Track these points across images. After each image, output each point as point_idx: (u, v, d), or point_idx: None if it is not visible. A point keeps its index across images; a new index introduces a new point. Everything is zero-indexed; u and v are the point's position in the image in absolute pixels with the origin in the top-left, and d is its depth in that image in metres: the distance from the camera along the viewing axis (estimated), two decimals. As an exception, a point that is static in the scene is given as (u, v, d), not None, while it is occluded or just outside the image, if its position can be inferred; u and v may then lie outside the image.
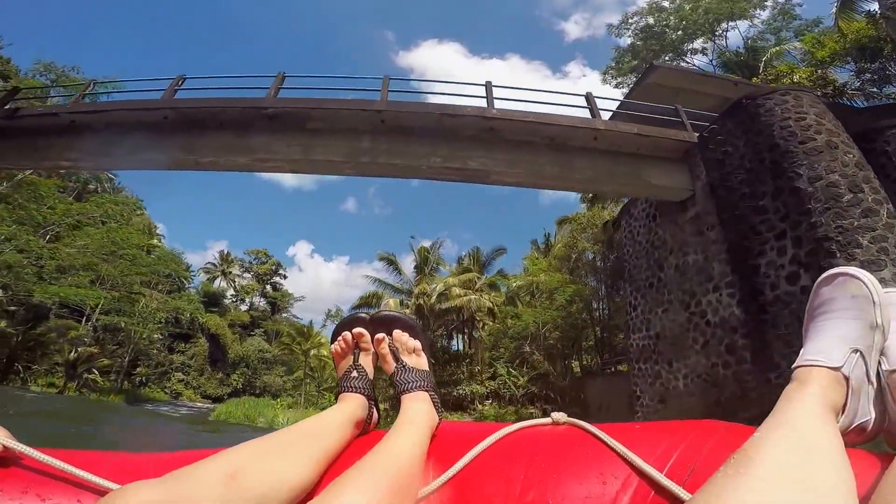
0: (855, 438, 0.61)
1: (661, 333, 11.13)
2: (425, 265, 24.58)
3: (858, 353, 0.60)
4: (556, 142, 9.57)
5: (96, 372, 31.89)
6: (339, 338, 0.98)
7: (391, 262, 25.17)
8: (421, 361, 0.95)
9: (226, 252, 65.82)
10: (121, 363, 40.01)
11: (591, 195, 29.13)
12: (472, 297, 24.06)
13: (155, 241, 50.91)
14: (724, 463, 0.47)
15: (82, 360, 29.74)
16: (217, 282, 63.07)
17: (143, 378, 45.70)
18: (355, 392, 0.89)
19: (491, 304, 25.85)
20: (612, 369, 20.89)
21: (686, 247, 10.43)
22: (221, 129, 9.19)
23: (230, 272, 64.01)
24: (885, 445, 0.61)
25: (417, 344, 0.96)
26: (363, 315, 1.00)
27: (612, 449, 0.63)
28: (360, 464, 0.64)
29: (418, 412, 0.82)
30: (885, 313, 0.62)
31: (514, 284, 27.49)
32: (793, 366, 0.63)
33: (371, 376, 0.94)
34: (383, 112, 8.95)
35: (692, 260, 10.18)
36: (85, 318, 34.71)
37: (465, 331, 28.46)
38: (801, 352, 0.64)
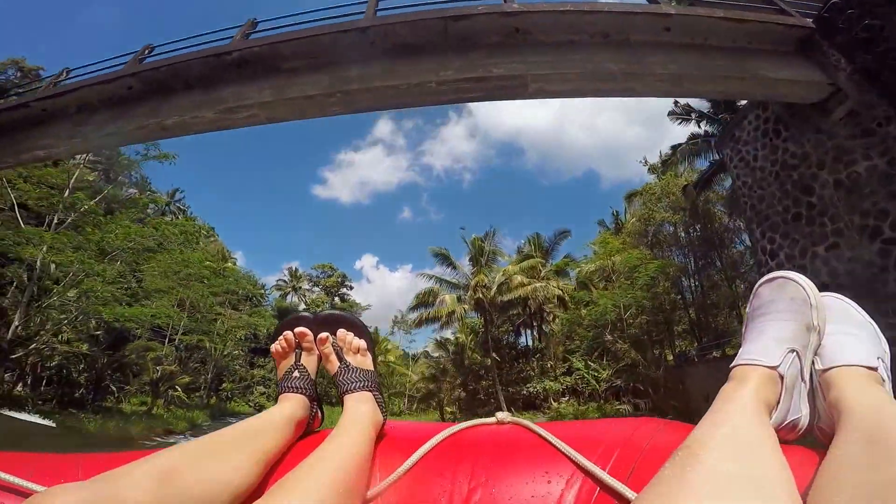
0: (786, 435, 0.62)
1: (827, 283, 8.03)
2: (481, 256, 22.17)
3: (794, 353, 0.62)
4: (614, 38, 6.98)
5: (179, 389, 32.61)
6: (281, 337, 0.93)
7: (445, 258, 23.01)
8: (366, 361, 0.91)
9: (294, 268, 67.39)
10: (204, 379, 41.29)
11: (660, 161, 25.39)
12: (538, 285, 21.36)
13: (229, 264, 53.62)
14: (667, 460, 0.47)
15: (164, 379, 30.44)
16: (289, 297, 64.67)
17: (229, 393, 47.18)
18: (296, 392, 0.85)
19: (560, 292, 22.97)
20: (720, 353, 17.41)
21: (849, 154, 7.55)
22: (189, 89, 8.02)
23: (300, 287, 65.45)
24: (817, 442, 0.61)
25: (362, 343, 0.92)
26: (306, 315, 0.96)
27: (556, 448, 0.63)
28: (303, 465, 0.62)
29: (361, 413, 0.79)
30: (821, 315, 0.64)
31: (586, 269, 24.43)
32: (731, 365, 0.63)
33: (314, 377, 0.90)
34: (370, 30, 6.84)
35: (866, 169, 7.28)
36: (167, 339, 35.96)
37: (534, 324, 25.73)
38: (740, 351, 0.65)
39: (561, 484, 0.59)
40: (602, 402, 20.15)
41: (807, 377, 0.64)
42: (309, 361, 0.91)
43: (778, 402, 0.60)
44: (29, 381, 22.98)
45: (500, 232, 24.55)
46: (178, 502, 0.54)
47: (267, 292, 61.56)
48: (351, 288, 69.55)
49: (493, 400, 22.03)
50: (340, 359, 0.89)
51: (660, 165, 25.16)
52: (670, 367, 18.99)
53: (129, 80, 8.11)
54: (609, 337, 19.15)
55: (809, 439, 0.63)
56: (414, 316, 23.37)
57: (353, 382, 0.86)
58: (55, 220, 20.07)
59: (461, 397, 25.33)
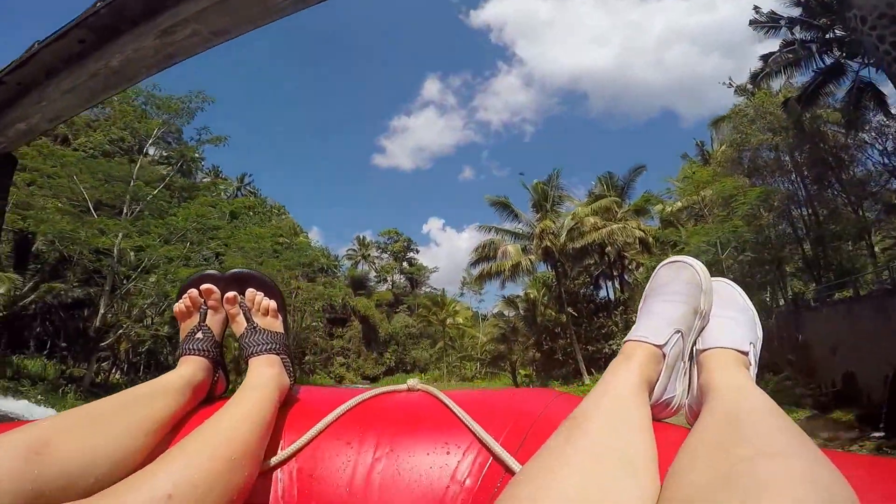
0: (660, 412, 0.65)
1: None
2: (545, 201, 19.77)
3: (679, 334, 0.65)
4: None
5: None
6: (185, 296, 0.87)
7: (504, 206, 20.81)
8: (276, 323, 0.87)
9: (362, 237, 68.28)
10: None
11: (750, 78, 21.09)
12: (615, 227, 18.75)
13: (301, 238, 55.62)
14: (554, 432, 0.51)
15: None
16: (360, 266, 65.82)
17: (311, 365, 48.54)
18: (198, 354, 0.80)
19: (642, 234, 20.23)
20: (848, 293, 14.31)
21: None
22: (135, 25, 7.29)
23: (368, 255, 66.32)
24: (685, 421, 0.64)
25: (272, 304, 0.87)
26: (213, 272, 0.90)
27: (458, 417, 0.65)
28: (196, 431, 0.60)
29: (265, 376, 0.75)
30: (709, 300, 0.69)
31: (670, 207, 21.39)
32: (623, 340, 0.66)
33: (219, 338, 0.86)
34: None
35: None
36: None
37: (615, 274, 23.17)
38: (633, 328, 0.67)
39: (458, 454, 0.60)
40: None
41: (687, 357, 0.66)
42: (214, 322, 0.85)
43: (657, 380, 0.63)
44: (124, 368, 23.92)
45: (567, 180, 21.90)
46: (51, 476, 0.49)
47: (339, 262, 63.50)
48: (417, 251, 69.96)
49: (571, 360, 20.08)
50: (248, 319, 0.84)
51: (749, 84, 21.06)
52: (783, 313, 16.02)
53: (77, 32, 7.47)
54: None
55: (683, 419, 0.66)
56: (476, 272, 21.51)
57: (259, 345, 0.81)
58: (125, 212, 21.16)
59: (536, 358, 23.59)
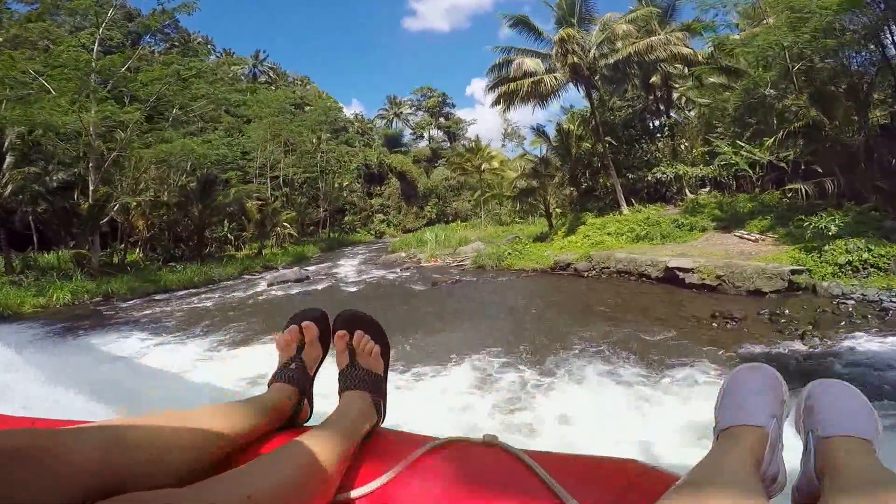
0: (768, 487, 0.65)
1: None
2: (571, 16, 16.08)
3: (775, 420, 0.67)
4: None
5: (287, 226, 31.85)
6: (286, 331, 0.94)
7: (524, 24, 17.24)
8: (376, 365, 0.91)
9: (392, 96, 64.54)
10: (318, 213, 42.10)
11: None
12: (654, 39, 15.20)
13: (328, 101, 53.70)
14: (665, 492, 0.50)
15: (267, 217, 29.85)
16: (393, 125, 63.01)
17: (350, 224, 49.14)
18: (287, 383, 0.86)
19: (690, 52, 16.50)
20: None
21: None
22: None
23: (401, 113, 63.15)
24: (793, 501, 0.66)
25: (377, 348, 0.92)
26: (318, 310, 0.98)
27: (537, 476, 0.63)
28: (285, 446, 0.63)
29: (354, 409, 0.79)
30: (786, 390, 0.71)
31: (727, 38, 17.29)
32: (720, 428, 0.67)
33: (311, 372, 0.91)
34: None
35: None
36: (268, 178, 36.36)
37: (661, 108, 19.80)
38: (725, 418, 0.68)
39: None
40: (756, 190, 15.06)
41: (781, 439, 0.67)
42: (308, 355, 0.91)
43: (762, 457, 0.63)
44: (140, 246, 23.76)
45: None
46: (122, 464, 0.52)
47: (372, 124, 61.16)
48: (453, 106, 65.64)
49: (611, 194, 18.02)
50: (351, 357, 0.89)
51: None
52: (875, 133, 12.92)
53: None
54: (771, 91, 13.08)
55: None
56: (493, 96, 18.49)
57: (354, 381, 0.85)
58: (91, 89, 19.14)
59: (573, 197, 21.52)
